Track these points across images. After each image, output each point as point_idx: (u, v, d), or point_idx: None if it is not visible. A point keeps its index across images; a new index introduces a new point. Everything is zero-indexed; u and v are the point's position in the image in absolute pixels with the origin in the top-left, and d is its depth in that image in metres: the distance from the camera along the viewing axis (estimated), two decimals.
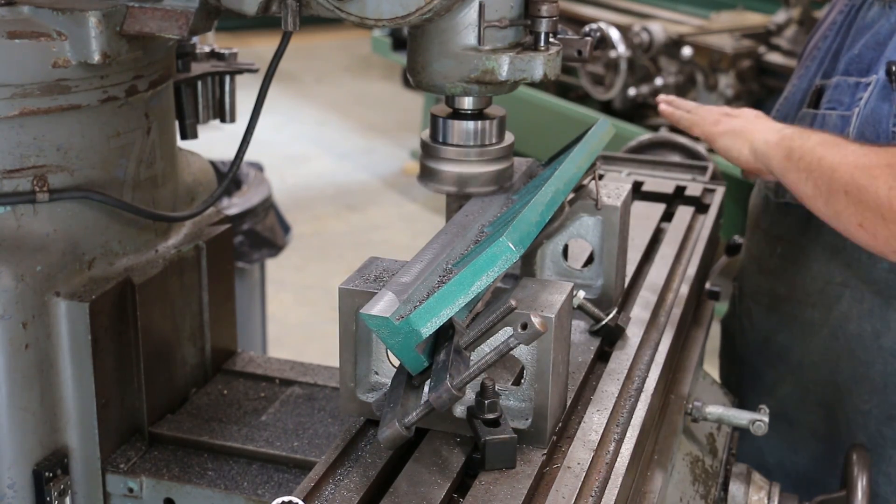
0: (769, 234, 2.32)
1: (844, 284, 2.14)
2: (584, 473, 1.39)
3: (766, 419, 1.82)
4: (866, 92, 2.09)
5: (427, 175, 1.71)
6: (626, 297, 1.85)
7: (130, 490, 1.76)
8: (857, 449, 1.93)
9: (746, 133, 2.03)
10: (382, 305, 1.35)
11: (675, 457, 1.79)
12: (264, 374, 2.05)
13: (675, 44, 5.58)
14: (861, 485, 1.86)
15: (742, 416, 1.84)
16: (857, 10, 2.21)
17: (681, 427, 1.83)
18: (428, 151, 1.70)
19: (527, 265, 1.77)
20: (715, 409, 1.85)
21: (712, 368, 2.50)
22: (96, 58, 1.62)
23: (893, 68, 2.01)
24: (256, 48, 6.29)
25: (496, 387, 1.41)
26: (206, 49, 2.15)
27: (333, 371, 2.04)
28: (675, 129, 2.34)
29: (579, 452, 1.43)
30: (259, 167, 4.30)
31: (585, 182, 1.76)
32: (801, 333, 2.25)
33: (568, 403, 1.52)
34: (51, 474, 1.69)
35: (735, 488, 1.90)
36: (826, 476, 2.24)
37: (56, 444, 1.71)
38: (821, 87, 2.21)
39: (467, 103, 1.66)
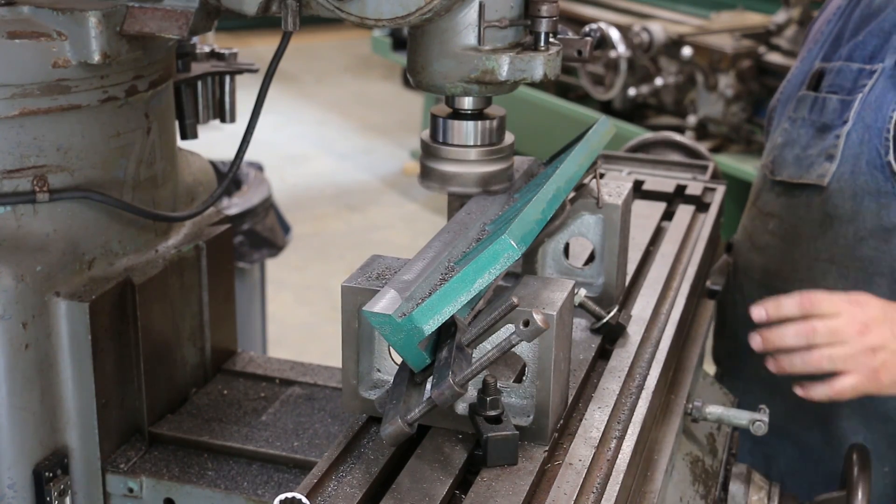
0: (763, 212, 2.37)
1: (831, 261, 2.19)
2: (585, 470, 1.39)
3: (766, 419, 1.82)
4: (871, 79, 2.13)
5: (427, 175, 1.71)
6: (627, 295, 1.85)
7: (130, 490, 1.76)
8: (858, 448, 1.93)
9: None
10: (385, 303, 1.35)
11: (675, 457, 1.79)
12: (264, 374, 2.04)
13: (675, 44, 5.58)
14: (861, 485, 1.86)
15: (742, 416, 1.84)
16: None
17: (681, 427, 1.83)
18: (428, 151, 1.70)
19: (528, 263, 1.77)
20: (715, 409, 1.85)
21: (712, 368, 2.50)
22: (96, 58, 1.61)
23: None
24: (256, 48, 6.29)
25: (498, 384, 1.41)
26: (206, 49, 2.15)
27: (333, 371, 2.04)
28: (676, 128, 2.34)
29: (581, 449, 1.43)
30: (259, 167, 4.30)
31: (586, 181, 1.76)
32: None
33: (569, 401, 1.52)
34: (51, 474, 1.69)
35: (735, 488, 1.90)
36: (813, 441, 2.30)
37: (56, 444, 1.71)
38: (821, 70, 2.24)
39: (467, 103, 1.66)
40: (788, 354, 1.74)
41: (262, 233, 3.96)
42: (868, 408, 2.18)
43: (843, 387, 1.72)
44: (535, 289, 1.46)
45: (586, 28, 2.67)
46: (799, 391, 1.76)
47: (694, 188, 2.34)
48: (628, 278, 1.88)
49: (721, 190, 2.37)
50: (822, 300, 1.71)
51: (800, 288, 2.25)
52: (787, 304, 1.71)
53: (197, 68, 2.07)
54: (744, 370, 2.40)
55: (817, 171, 2.20)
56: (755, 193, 2.43)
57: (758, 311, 1.73)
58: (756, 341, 1.75)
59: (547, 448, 1.43)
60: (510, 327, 1.39)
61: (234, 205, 3.90)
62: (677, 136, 2.75)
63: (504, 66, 1.56)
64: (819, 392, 1.76)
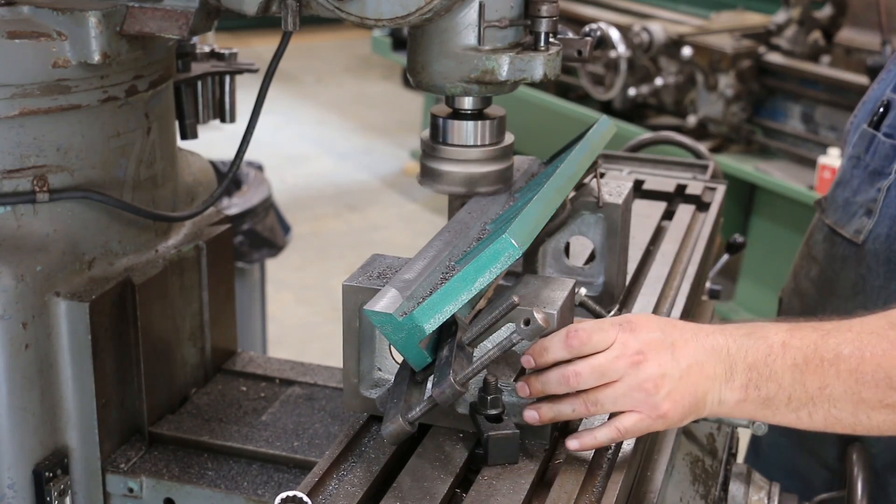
0: (809, 254, 2.20)
1: None
2: (586, 469, 1.39)
3: None
4: None
5: (427, 175, 1.71)
6: (628, 294, 1.85)
7: (130, 490, 1.76)
8: (857, 448, 1.92)
9: (695, 392, 1.41)
10: (386, 302, 1.35)
11: (675, 457, 1.78)
12: (264, 374, 2.04)
13: (675, 44, 5.58)
14: (861, 485, 1.86)
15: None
16: None
17: (681, 427, 1.83)
18: (428, 151, 1.70)
19: (529, 262, 1.77)
20: None
21: None
22: (96, 58, 1.61)
23: None
24: (256, 48, 6.29)
25: (499, 383, 1.41)
26: (206, 49, 2.15)
27: (333, 371, 2.04)
28: (676, 128, 2.25)
29: None
30: (259, 167, 4.30)
31: (587, 180, 1.76)
32: None
33: None
34: (51, 474, 1.69)
35: (735, 488, 1.89)
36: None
37: (56, 444, 1.71)
38: (888, 104, 1.99)
39: (467, 103, 1.66)
40: (554, 402, 1.41)
41: (262, 233, 3.96)
42: None
43: (623, 427, 1.40)
44: (535, 288, 1.46)
45: (586, 28, 2.67)
46: (573, 444, 1.43)
47: (694, 188, 2.34)
48: (629, 277, 1.88)
49: (721, 189, 2.37)
50: (591, 333, 1.39)
51: None
52: (553, 346, 1.39)
53: (197, 68, 2.07)
54: None
55: (855, 226, 1.99)
56: (810, 229, 2.24)
57: (525, 358, 1.41)
58: (522, 389, 1.42)
59: (547, 447, 1.43)
60: (511, 326, 1.39)
61: (234, 205, 3.90)
62: (678, 136, 2.75)
63: (504, 66, 1.56)
64: (590, 439, 1.43)
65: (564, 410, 1.41)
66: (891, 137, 1.94)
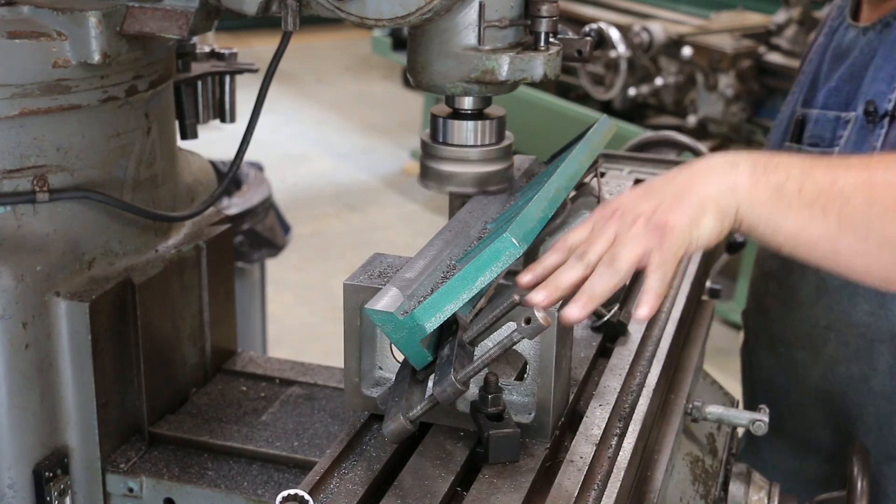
0: (763, 271, 2.26)
1: (829, 328, 2.08)
2: (586, 467, 1.39)
3: (766, 419, 1.82)
4: (846, 130, 1.99)
5: (427, 175, 1.71)
6: (628, 293, 1.85)
7: (130, 490, 1.76)
8: (858, 448, 1.92)
9: (693, 193, 1.36)
10: (387, 301, 1.35)
11: (675, 456, 1.78)
12: (264, 374, 2.04)
13: (675, 44, 5.59)
14: (861, 485, 1.86)
15: (742, 416, 1.84)
16: (834, 33, 2.13)
17: (681, 426, 1.83)
18: (428, 151, 1.70)
19: (529, 262, 1.76)
20: (715, 409, 1.85)
21: (712, 368, 2.49)
22: (96, 58, 1.62)
23: (871, 108, 1.93)
24: (256, 48, 6.28)
25: (499, 381, 1.41)
26: (206, 49, 2.15)
27: (333, 371, 2.04)
28: (676, 128, 2.26)
29: (582, 447, 1.43)
30: (259, 167, 4.30)
31: (587, 179, 1.76)
32: (795, 375, 2.20)
33: (570, 398, 1.52)
34: (51, 474, 1.69)
35: (735, 488, 1.89)
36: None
37: (56, 444, 1.71)
38: (802, 118, 2.09)
39: (467, 103, 1.66)
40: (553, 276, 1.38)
41: (262, 233, 3.96)
42: None
43: (654, 263, 1.33)
44: None
45: (586, 28, 2.66)
46: (643, 312, 1.34)
47: None
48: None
49: None
50: (568, 234, 1.41)
51: (802, 355, 2.13)
52: (545, 257, 1.41)
53: (197, 68, 2.07)
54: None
55: None
56: (758, 250, 2.31)
57: (524, 277, 1.39)
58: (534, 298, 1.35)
59: (548, 445, 1.43)
60: (512, 325, 1.39)
61: (234, 205, 3.90)
62: (678, 135, 2.75)
63: (504, 66, 1.57)
64: (650, 297, 1.34)
65: (567, 276, 1.35)
66: (816, 146, 2.02)
